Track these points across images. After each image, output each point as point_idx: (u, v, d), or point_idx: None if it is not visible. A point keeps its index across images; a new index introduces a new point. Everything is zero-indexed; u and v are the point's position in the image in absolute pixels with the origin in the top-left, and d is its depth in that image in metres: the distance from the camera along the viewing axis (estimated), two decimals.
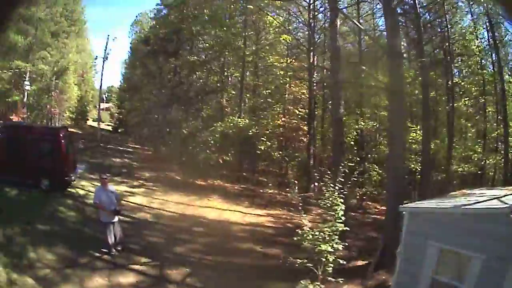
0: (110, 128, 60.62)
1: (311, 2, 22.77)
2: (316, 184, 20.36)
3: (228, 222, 15.05)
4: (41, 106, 40.38)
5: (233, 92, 26.04)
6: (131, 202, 16.26)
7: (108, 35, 32.36)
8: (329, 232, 8.21)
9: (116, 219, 10.60)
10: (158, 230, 13.80)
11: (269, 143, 22.33)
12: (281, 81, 24.80)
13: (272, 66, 25.10)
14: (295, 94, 26.00)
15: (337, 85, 15.05)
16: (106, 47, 32.91)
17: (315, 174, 20.98)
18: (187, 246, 12.44)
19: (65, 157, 15.86)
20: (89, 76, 55.48)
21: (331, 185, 8.74)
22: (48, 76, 39.81)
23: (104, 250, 10.76)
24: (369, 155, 21.77)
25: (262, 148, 22.08)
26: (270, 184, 21.59)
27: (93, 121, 60.87)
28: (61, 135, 15.87)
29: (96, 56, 39.85)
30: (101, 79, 34.24)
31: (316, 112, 24.07)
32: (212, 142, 21.58)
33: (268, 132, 23.05)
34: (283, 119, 24.76)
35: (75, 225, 12.99)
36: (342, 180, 9.08)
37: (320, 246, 8.02)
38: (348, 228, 8.69)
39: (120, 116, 56.40)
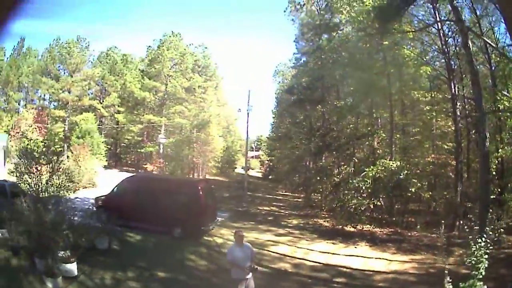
0: (260, 175, 63.83)
1: (440, 27, 21.43)
2: (461, 222, 19.02)
3: (371, 271, 14.14)
4: (181, 157, 42.46)
5: (383, 135, 25.15)
6: (272, 252, 15.99)
7: (249, 90, 33.73)
8: None
9: (249, 275, 9.73)
10: (295, 281, 13.04)
11: (420, 184, 20.90)
12: (428, 117, 23.75)
13: (418, 101, 24.17)
14: (442, 128, 24.73)
15: (482, 115, 13.73)
16: (248, 100, 34.36)
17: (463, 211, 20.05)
18: None
19: (203, 207, 16.50)
20: (235, 127, 59.00)
21: (478, 236, 7.94)
22: (188, 129, 42.76)
23: None
24: (509, 184, 19.72)
25: (413, 190, 20.67)
26: (418, 226, 20.35)
27: (241, 168, 64.69)
28: (200, 186, 16.91)
29: (239, 109, 42.21)
30: (247, 130, 35.29)
31: (462, 145, 22.13)
32: (363, 187, 20.75)
33: (418, 171, 22.05)
34: (432, 155, 23.54)
35: (203, 274, 12.72)
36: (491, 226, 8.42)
37: None
38: None
39: (270, 164, 59.27)
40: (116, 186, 17.85)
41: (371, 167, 20.69)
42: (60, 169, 13.54)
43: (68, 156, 31.14)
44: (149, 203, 16.22)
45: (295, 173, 36.14)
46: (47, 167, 13.06)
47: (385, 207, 23.45)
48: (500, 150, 19.53)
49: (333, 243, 18.20)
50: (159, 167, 40.74)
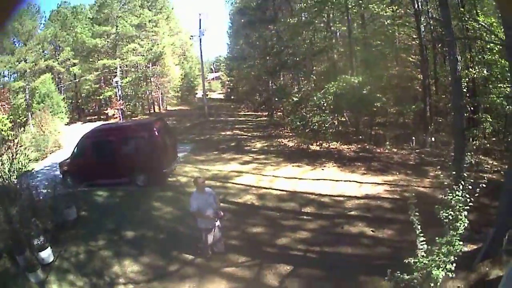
0: (222, 96, 63.30)
1: None
2: (433, 139, 18.78)
3: (342, 197, 13.41)
4: (139, 94, 43.91)
5: (342, 49, 23.97)
6: (237, 184, 15.33)
7: (200, 14, 32.28)
8: (445, 253, 6.40)
9: (217, 223, 9.31)
10: (263, 216, 12.37)
11: (385, 99, 20.23)
12: (390, 30, 22.50)
13: (378, 15, 22.51)
14: (405, 41, 23.98)
15: (452, 39, 12.72)
16: (200, 25, 33.08)
17: (432, 125, 19.90)
18: (292, 235, 10.86)
19: (161, 149, 15.60)
20: (191, 52, 59.51)
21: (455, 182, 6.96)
22: (143, 65, 43.23)
23: (199, 252, 9.84)
24: (481, 105, 19.23)
25: (378, 105, 20.03)
26: (387, 142, 19.60)
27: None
28: (155, 127, 15.72)
29: (191, 36, 40.66)
30: (201, 55, 34.41)
31: (427, 58, 21.53)
32: (325, 104, 19.79)
33: (382, 85, 21.10)
34: (396, 68, 22.87)
35: (169, 224, 12.15)
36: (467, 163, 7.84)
37: (432, 272, 6.33)
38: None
39: (230, 85, 57.87)
40: (76, 145, 16.88)
41: (332, 83, 19.50)
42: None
43: (32, 125, 31.04)
44: (109, 155, 15.62)
45: (255, 92, 35.12)
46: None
47: (350, 122, 22.87)
48: (470, 70, 18.93)
49: (299, 166, 17.51)
50: (119, 109, 40.39)
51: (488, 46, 18.63)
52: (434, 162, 16.12)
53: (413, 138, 18.63)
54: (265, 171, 17.03)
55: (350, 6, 21.79)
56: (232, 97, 55.80)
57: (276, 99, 26.75)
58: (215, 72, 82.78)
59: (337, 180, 15.20)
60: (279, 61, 25.58)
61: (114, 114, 39.98)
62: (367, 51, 22.34)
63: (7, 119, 34.06)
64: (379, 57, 21.99)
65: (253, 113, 38.59)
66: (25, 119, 36.31)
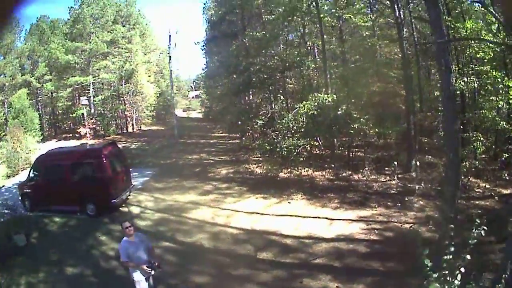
0: (201, 115, 61.07)
1: None
2: (418, 163, 16.54)
3: (308, 238, 11.31)
4: (112, 113, 42.38)
5: (315, 64, 21.48)
6: (191, 220, 13.63)
7: (169, 29, 31.02)
8: None
9: (152, 272, 7.55)
10: (211, 262, 10.29)
11: (363, 120, 17.86)
12: (369, 43, 20.32)
13: (357, 27, 20.65)
14: (386, 54, 21.81)
15: (445, 42, 10.65)
16: (169, 42, 31.80)
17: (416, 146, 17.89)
18: None
19: (109, 178, 14.39)
20: (168, 70, 55.67)
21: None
22: (116, 83, 41.46)
23: None
24: (473, 122, 17.14)
25: (356, 126, 17.69)
26: (366, 168, 17.45)
27: (183, 111, 61.22)
28: (103, 154, 14.57)
29: (161, 52, 38.51)
30: (170, 73, 33.40)
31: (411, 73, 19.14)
32: (295, 127, 17.59)
33: (362, 103, 19.10)
34: (378, 85, 20.48)
35: (109, 264, 10.67)
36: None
37: None
38: None
39: (207, 104, 56.12)
40: (31, 168, 16.43)
41: (304, 102, 17.27)
42: None
43: (7, 140, 29.63)
44: (60, 181, 14.76)
45: (227, 112, 32.81)
46: None
47: (323, 147, 20.56)
48: (459, 81, 16.82)
49: (264, 197, 15.46)
50: (91, 128, 39.20)
51: (478, 56, 16.84)
52: (420, 190, 14.36)
53: (395, 162, 16.44)
54: (224, 204, 15.08)
55: (322, 15, 19.69)
56: (210, 117, 53.56)
57: (243, 118, 24.28)
58: (195, 90, 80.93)
59: (304, 217, 13.10)
60: (244, 79, 23.02)
61: (86, 133, 38.05)
62: (344, 66, 20.27)
63: None
64: (358, 72, 19.94)
65: (226, 134, 36.51)
66: (4, 134, 34.36)
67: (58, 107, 44.05)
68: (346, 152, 19.83)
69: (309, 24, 21.78)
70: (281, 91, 23.34)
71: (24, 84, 41.26)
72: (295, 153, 17.38)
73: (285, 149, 17.41)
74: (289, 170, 18.31)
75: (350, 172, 17.69)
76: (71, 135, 41.67)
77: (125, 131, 43.95)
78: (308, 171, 18.17)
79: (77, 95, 42.48)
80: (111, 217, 14.11)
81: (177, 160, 24.74)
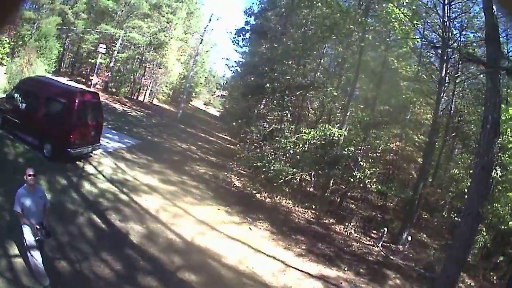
0: (217, 114, 60.47)
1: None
2: (410, 237, 14.84)
3: (247, 278, 9.15)
4: (129, 74, 41.08)
5: (334, 93, 18.44)
6: (135, 203, 11.73)
7: (212, 13, 29.41)
8: None
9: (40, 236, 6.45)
10: (117, 257, 8.24)
11: (368, 171, 15.76)
12: (404, 95, 18.19)
13: (398, 74, 18.33)
14: (418, 117, 19.93)
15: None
16: (207, 25, 29.75)
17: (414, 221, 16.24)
18: None
19: (73, 125, 13.33)
20: (205, 58, 55.82)
21: None
22: (143, 48, 40.15)
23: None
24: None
25: (358, 175, 15.60)
26: (352, 223, 15.37)
27: (204, 104, 59.74)
28: (77, 99, 13.48)
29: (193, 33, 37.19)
30: (195, 56, 31.23)
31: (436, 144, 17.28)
32: (291, 151, 15.55)
33: (374, 155, 17.41)
34: (397, 143, 18.97)
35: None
36: None
37: None
38: None
39: (226, 104, 54.53)
40: (14, 87, 15.80)
41: (309, 130, 15.26)
42: None
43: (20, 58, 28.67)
44: (32, 110, 13.88)
45: (234, 117, 30.94)
46: None
47: (315, 185, 18.41)
48: None
49: (227, 211, 13.46)
50: (104, 81, 38.27)
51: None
52: (402, 267, 12.47)
53: (386, 228, 14.38)
54: (180, 201, 13.07)
55: (363, 43, 17.19)
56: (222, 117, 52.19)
57: (241, 126, 22.09)
58: (223, 89, 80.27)
59: (258, 251, 10.97)
60: (258, 83, 21.00)
61: (96, 84, 37.01)
62: (371, 110, 18.11)
63: (8, 44, 33.10)
64: (382, 123, 17.96)
65: (230, 138, 34.87)
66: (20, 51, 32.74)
67: (82, 48, 42.42)
68: (338, 199, 17.73)
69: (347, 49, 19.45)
70: (291, 108, 20.89)
71: (61, 13, 39.60)
72: (281, 180, 15.36)
73: (272, 171, 15.44)
74: (268, 194, 16.28)
75: (333, 221, 15.64)
76: (84, 80, 39.94)
77: (135, 98, 42.60)
78: (288, 203, 16.11)
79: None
80: (60, 168, 12.61)
81: (163, 142, 23.03)
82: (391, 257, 13.28)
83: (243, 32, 29.56)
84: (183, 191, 14.18)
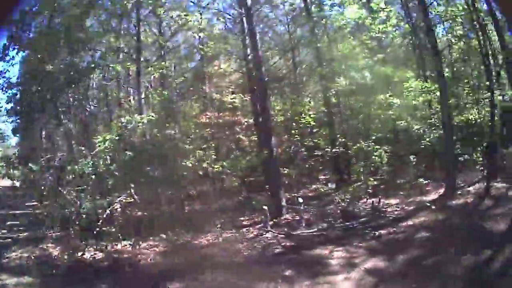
0: None
1: None
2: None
3: None
4: None
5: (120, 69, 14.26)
6: None
7: None
8: None
9: None
10: None
11: (201, 152, 12.33)
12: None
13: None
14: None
15: None
16: None
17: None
18: None
19: None
20: None
21: None
22: None
23: None
24: None
25: (190, 164, 11.90)
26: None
27: None
28: None
29: None
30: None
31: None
32: (94, 174, 10.76)
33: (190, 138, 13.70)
34: (207, 114, 15.73)
35: None
36: None
37: None
38: None
39: None
40: None
41: (104, 134, 10.75)
42: None
43: None
44: None
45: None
46: None
47: (144, 204, 13.49)
48: None
49: None
50: None
51: None
52: None
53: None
54: None
55: None
56: None
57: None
58: None
59: None
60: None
61: None
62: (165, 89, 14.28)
63: None
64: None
65: None
66: None
67: None
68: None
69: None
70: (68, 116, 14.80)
71: None
72: (101, 220, 10.60)
73: (84, 215, 10.52)
74: (98, 247, 11.00)
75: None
76: None
77: None
78: (127, 246, 11.08)
79: None
80: None
81: None
82: None
83: None
84: None
